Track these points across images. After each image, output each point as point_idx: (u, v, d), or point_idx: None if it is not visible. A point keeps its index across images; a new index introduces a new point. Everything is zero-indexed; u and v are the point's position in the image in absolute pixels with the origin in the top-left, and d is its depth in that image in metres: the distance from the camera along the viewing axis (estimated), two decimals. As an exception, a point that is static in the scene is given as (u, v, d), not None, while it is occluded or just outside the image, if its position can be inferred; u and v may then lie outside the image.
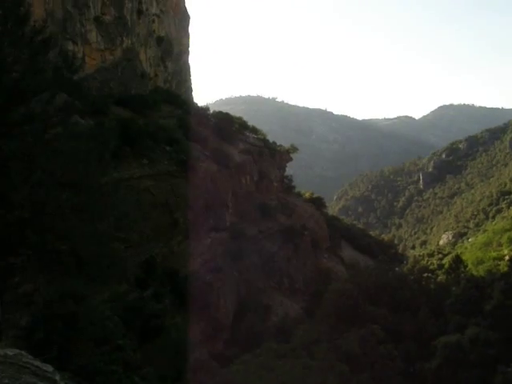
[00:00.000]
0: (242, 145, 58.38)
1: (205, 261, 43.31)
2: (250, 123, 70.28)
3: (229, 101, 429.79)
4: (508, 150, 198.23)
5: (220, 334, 40.67)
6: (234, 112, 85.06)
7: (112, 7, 46.54)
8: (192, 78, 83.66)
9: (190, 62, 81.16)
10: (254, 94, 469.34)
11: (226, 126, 58.35)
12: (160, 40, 61.06)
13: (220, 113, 63.82)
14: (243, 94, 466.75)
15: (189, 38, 79.46)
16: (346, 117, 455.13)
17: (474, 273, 54.93)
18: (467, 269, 60.70)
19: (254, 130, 67.54)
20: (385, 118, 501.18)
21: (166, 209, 37.48)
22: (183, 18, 74.40)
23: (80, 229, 11.04)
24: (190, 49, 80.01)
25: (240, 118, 68.04)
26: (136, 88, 51.50)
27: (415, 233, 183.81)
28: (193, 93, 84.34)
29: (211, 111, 64.59)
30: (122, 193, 32.17)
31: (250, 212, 54.11)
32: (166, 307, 32.16)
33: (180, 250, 38.91)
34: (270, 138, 71.39)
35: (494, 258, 63.75)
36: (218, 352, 37.71)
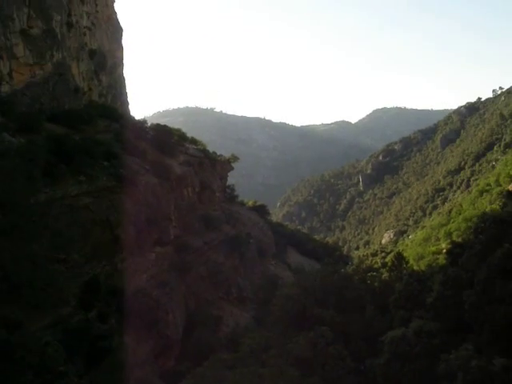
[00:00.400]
0: (182, 156, 57.70)
1: (150, 276, 42.29)
2: (189, 134, 69.76)
3: (167, 113, 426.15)
4: (439, 149, 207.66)
5: (171, 350, 39.77)
6: (173, 124, 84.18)
7: (39, 20, 44.66)
8: (128, 90, 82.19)
9: (124, 74, 79.73)
10: (191, 105, 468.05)
11: (165, 138, 57.49)
12: (93, 53, 59.40)
13: (158, 125, 62.90)
14: (181, 106, 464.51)
15: (122, 50, 77.92)
16: (284, 124, 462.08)
17: (416, 268, 56.75)
18: (409, 265, 62.62)
19: (194, 141, 67.06)
20: (322, 124, 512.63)
21: (107, 226, 36.29)
22: (116, 30, 72.93)
23: (10, 251, 10.36)
24: (124, 61, 78.61)
25: (179, 130, 67.36)
26: (69, 103, 49.76)
27: (358, 234, 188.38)
28: (129, 106, 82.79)
29: (149, 124, 63.48)
30: (58, 211, 31.15)
31: (193, 224, 53.52)
32: (112, 327, 31.15)
33: (124, 267, 37.74)
34: (210, 149, 71.15)
35: (433, 253, 66.33)
36: (170, 368, 36.91)
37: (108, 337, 28.28)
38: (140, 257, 41.50)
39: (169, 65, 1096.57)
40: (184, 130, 70.65)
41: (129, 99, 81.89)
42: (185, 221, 52.44)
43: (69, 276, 30.50)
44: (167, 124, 68.25)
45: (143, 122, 64.94)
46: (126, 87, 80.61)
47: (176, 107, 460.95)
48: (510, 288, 22.90)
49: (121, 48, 77.11)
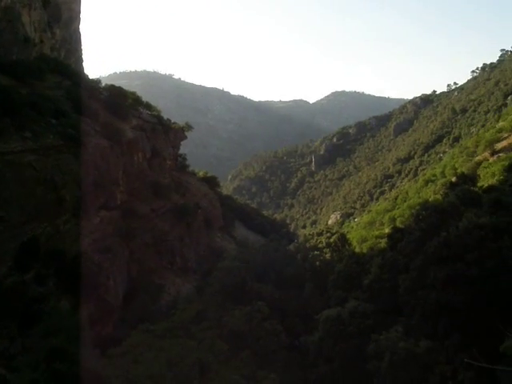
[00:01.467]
0: (135, 121, 56.36)
1: (94, 240, 41.47)
2: (145, 99, 68.07)
3: (123, 75, 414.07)
4: (392, 137, 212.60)
5: (109, 316, 39.36)
6: (129, 87, 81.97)
7: (-14, -40, 41.88)
8: (83, 47, 78.95)
9: (81, 30, 76.42)
10: (150, 69, 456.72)
11: (119, 100, 55.84)
12: (46, 2, 56.25)
13: (113, 86, 60.88)
14: (139, 69, 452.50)
15: (80, 3, 74.44)
16: (242, 97, 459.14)
17: (358, 250, 58.33)
18: (352, 247, 64.36)
19: (149, 106, 65.55)
20: (280, 101, 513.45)
21: (52, 186, 35.01)
22: (73, -19, 69.54)
23: None
24: (81, 16, 75.22)
25: (134, 93, 65.53)
26: (18, 54, 46.97)
27: (306, 213, 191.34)
28: (84, 64, 79.67)
29: (103, 84, 61.39)
30: (-1, 168, 29.83)
31: (142, 190, 52.72)
32: (50, 290, 30.43)
33: (66, 229, 36.70)
34: (165, 116, 69.86)
35: (377, 236, 68.08)
36: (107, 334, 36.63)
37: (44, 300, 27.64)
38: (84, 220, 40.49)
39: (129, 24, 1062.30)
40: (140, 94, 68.80)
41: (84, 57, 78.89)
42: (133, 186, 51.54)
43: (6, 236, 29.44)
44: (123, 86, 66.16)
45: (97, 81, 62.74)
46: (82, 43, 77.48)
47: (134, 70, 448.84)
48: (442, 275, 23.99)
49: (78, 1, 73.57)
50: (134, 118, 56.58)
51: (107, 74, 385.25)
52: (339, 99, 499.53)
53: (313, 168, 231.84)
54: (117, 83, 69.13)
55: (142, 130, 55.32)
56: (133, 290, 43.08)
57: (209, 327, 21.39)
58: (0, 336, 18.79)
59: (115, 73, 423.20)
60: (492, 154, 66.22)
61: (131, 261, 46.15)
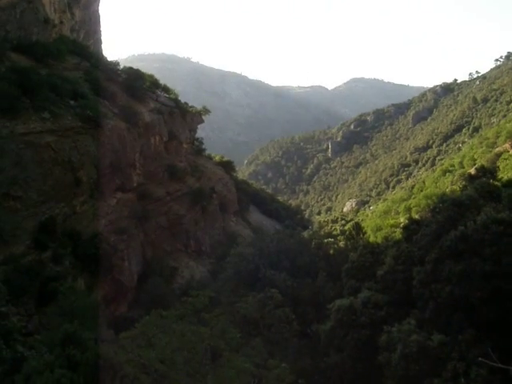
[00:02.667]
0: (153, 104, 56.42)
1: (110, 222, 41.95)
2: (163, 82, 68.01)
3: (142, 57, 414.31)
4: (410, 125, 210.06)
5: (124, 297, 39.97)
6: (147, 69, 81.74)
7: None
8: (102, 29, 79.03)
9: (100, 11, 76.45)
10: (168, 52, 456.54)
11: (137, 83, 55.88)
12: (67, -16, 56.44)
13: (131, 69, 60.90)
14: (157, 52, 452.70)
15: (100, -16, 74.40)
16: (260, 82, 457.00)
17: (373, 239, 58.04)
18: (366, 235, 64.08)
19: (166, 89, 65.50)
20: (299, 86, 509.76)
21: (69, 167, 35.42)
22: (94, -38, 69.43)
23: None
24: (100, -3, 75.18)
25: (152, 76, 65.54)
26: (38, 34, 47.19)
27: (321, 199, 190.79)
28: (102, 45, 79.87)
29: (122, 67, 61.41)
30: (19, 147, 30.16)
31: (158, 173, 52.98)
32: (66, 270, 30.88)
33: (83, 210, 37.19)
34: (183, 99, 69.75)
35: (391, 226, 67.78)
36: (121, 314, 37.15)
37: (60, 279, 28.05)
38: (101, 201, 40.96)
39: (148, 7, 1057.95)
40: (158, 76, 68.84)
41: (103, 38, 79.07)
42: (149, 169, 51.83)
43: (24, 214, 29.87)
44: (141, 69, 66.15)
45: (116, 63, 62.79)
46: (101, 25, 77.59)
47: (152, 52, 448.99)
48: (457, 269, 23.72)
49: (99, -18, 73.58)
50: (151, 101, 56.67)
51: (126, 57, 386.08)
52: (358, 86, 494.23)
53: (329, 155, 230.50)
54: (135, 66, 69.08)
55: (160, 113, 55.37)
56: (147, 271, 43.55)
57: (221, 313, 21.49)
58: (18, 313, 19.09)
59: (133, 55, 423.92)
60: (513, 146, 65.14)
61: (146, 243, 46.62)
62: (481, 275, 22.95)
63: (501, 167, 56.50)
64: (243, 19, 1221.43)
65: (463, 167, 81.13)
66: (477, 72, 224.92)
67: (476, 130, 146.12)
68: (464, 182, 53.65)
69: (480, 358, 10.70)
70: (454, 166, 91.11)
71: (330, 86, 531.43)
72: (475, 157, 79.42)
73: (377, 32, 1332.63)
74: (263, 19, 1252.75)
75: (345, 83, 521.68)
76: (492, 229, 23.94)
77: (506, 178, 46.99)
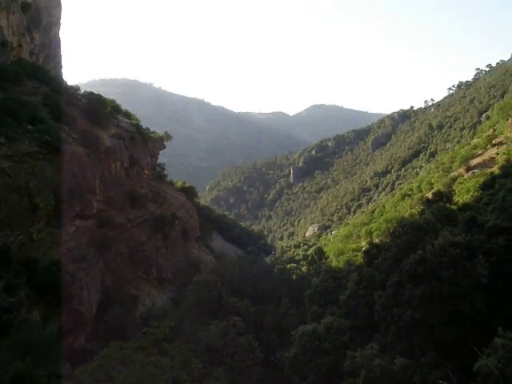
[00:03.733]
0: (114, 129, 55.83)
1: (68, 250, 40.67)
2: (125, 107, 67.58)
3: (103, 82, 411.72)
4: (370, 151, 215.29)
5: (82, 328, 38.57)
6: (108, 94, 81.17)
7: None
8: (63, 53, 78.25)
9: (61, 35, 75.74)
10: (130, 77, 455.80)
11: (98, 108, 55.25)
12: (26, 7, 55.49)
13: (91, 94, 60.23)
14: (119, 77, 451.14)
15: (61, 9, 73.81)
16: (222, 108, 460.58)
17: (335, 263, 58.57)
18: (329, 260, 64.63)
19: (128, 115, 65.07)
20: (260, 112, 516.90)
21: (26, 193, 34.39)
22: (55, -14, 68.94)
23: None
24: (62, 21, 74.62)
25: (113, 101, 65.00)
26: (-5, 57, 46.36)
27: (284, 224, 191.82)
28: (63, 69, 78.95)
29: (82, 91, 60.68)
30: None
31: (118, 199, 52.06)
32: (20, 300, 29.69)
33: (40, 237, 36.06)
34: (145, 125, 69.39)
35: (353, 250, 68.72)
36: (79, 347, 35.83)
37: (14, 310, 26.92)
38: (59, 228, 39.82)
39: (111, 32, 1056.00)
40: (119, 102, 68.33)
41: (63, 63, 78.22)
42: (110, 195, 50.88)
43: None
44: (102, 94, 65.58)
45: (76, 88, 61.99)
46: (62, 49, 76.81)
47: (114, 77, 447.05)
48: (417, 293, 24.11)
49: (59, 6, 72.98)
50: (112, 127, 56.06)
51: (86, 81, 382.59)
52: (318, 112, 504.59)
53: (291, 180, 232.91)
54: (96, 90, 68.47)
55: (121, 139, 54.76)
56: (107, 300, 42.31)
57: (183, 343, 21.01)
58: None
59: (94, 80, 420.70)
60: (467, 170, 67.47)
61: (106, 271, 45.41)
62: (440, 298, 23.40)
63: (456, 191, 58.32)
64: (205, 46, 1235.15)
65: (421, 191, 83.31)
66: (432, 100, 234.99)
67: (432, 155, 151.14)
68: (422, 206, 55.02)
69: (441, 381, 10.85)
70: (412, 190, 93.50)
71: (291, 112, 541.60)
72: (432, 181, 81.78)
73: (337, 60, 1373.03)
74: (225, 46, 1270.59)
75: (306, 109, 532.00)
76: (449, 252, 24.54)
77: (461, 201, 48.53)
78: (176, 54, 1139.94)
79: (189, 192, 76.49)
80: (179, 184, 79.85)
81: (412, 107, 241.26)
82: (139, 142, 60.50)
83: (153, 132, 69.71)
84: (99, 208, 48.01)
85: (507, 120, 69.45)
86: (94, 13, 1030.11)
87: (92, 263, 42.32)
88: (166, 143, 71.48)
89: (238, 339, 26.48)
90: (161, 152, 71.53)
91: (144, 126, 67.21)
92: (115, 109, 62.96)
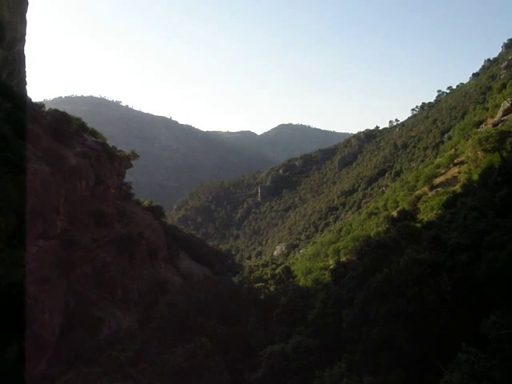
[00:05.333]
0: (79, 147, 54.91)
1: (30, 271, 39.39)
2: (91, 125, 66.60)
3: (69, 100, 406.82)
4: (337, 170, 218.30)
5: (43, 352, 37.28)
6: (74, 112, 79.89)
7: None
8: (28, 69, 76.86)
9: (26, 52, 74.48)
10: (97, 95, 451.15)
11: (63, 125, 54.28)
12: (-11, 23, 54.67)
13: (57, 111, 59.18)
14: (85, 94, 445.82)
15: (26, 25, 72.71)
16: (190, 127, 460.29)
17: (303, 282, 58.68)
18: (297, 278, 64.70)
19: (94, 133, 64.10)
20: (228, 132, 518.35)
21: (-15, 213, 33.36)
22: (20, 1, 67.85)
23: None
24: (26, 37, 73.43)
25: (79, 119, 63.97)
26: (-46, 73, 45.13)
27: (251, 244, 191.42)
28: (27, 86, 77.47)
29: (47, 109, 59.58)
30: None
31: (83, 219, 50.99)
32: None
33: (0, 258, 34.87)
34: (111, 143, 68.49)
35: (321, 268, 69.18)
36: (40, 372, 34.57)
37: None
38: (20, 249, 38.64)
39: (78, 49, 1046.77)
40: (85, 120, 67.27)
41: (28, 79, 76.83)
42: (75, 215, 49.79)
43: None
44: (68, 111, 64.43)
45: (41, 105, 60.83)
46: (26, 66, 75.45)
47: (80, 95, 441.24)
48: (384, 310, 24.35)
49: (24, 22, 71.88)
50: (78, 145, 55.13)
51: (52, 98, 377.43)
52: (286, 132, 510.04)
53: (259, 199, 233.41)
54: (61, 108, 67.37)
55: (86, 157, 53.88)
56: (70, 323, 41.06)
57: (148, 366, 20.46)
58: None
59: (60, 97, 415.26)
60: (431, 189, 69.15)
61: (69, 292, 44.18)
62: (406, 315, 23.67)
63: (421, 209, 59.60)
64: (173, 65, 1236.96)
65: (387, 209, 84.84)
66: (396, 120, 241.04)
67: (398, 173, 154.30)
68: (388, 225, 55.93)
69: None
70: (378, 208, 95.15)
71: (259, 132, 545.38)
72: (398, 199, 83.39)
73: (304, 80, 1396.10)
74: (193, 65, 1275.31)
75: (273, 129, 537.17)
76: (414, 269, 24.94)
77: (425, 219, 49.57)
78: (144, 73, 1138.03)
79: (156, 211, 75.57)
80: (146, 203, 78.83)
81: (377, 127, 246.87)
82: (105, 161, 59.63)
83: (120, 150, 68.86)
84: (63, 228, 46.89)
85: (467, 140, 71.64)
86: (61, 29, 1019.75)
87: (55, 285, 41.16)
88: (132, 162, 70.68)
89: (206, 361, 26.08)
90: (127, 171, 70.64)
91: (111, 145, 66.33)
92: (81, 127, 61.98)
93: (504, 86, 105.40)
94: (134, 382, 16.38)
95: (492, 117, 79.93)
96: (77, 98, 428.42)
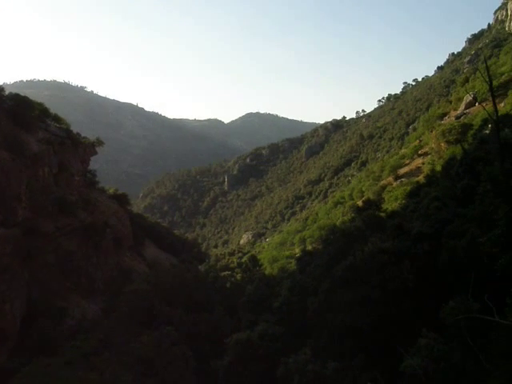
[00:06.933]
0: (42, 133, 53.47)
1: (-11, 260, 38.48)
2: (54, 111, 64.86)
3: (31, 84, 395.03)
4: (304, 159, 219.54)
5: (4, 344, 36.47)
6: (36, 97, 77.60)
7: None
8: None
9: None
10: (61, 79, 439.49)
11: (24, 111, 52.71)
12: None
13: (17, 95, 57.24)
14: (48, 79, 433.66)
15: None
16: (157, 114, 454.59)
17: (269, 271, 59.06)
18: (263, 267, 65.08)
19: (57, 119, 62.46)
20: (195, 119, 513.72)
21: None
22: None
23: None
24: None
25: (41, 104, 62.19)
26: None
27: (218, 232, 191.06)
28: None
29: (7, 93, 57.63)
30: None
31: (46, 207, 49.86)
32: None
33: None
34: (75, 129, 66.96)
35: (287, 257, 69.79)
36: (1, 365, 33.78)
37: None
38: (-21, 238, 37.62)
39: (40, 31, 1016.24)
40: (48, 105, 65.43)
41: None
42: (37, 203, 48.63)
43: None
44: (29, 96, 62.52)
45: (0, 89, 58.91)
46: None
47: (42, 79, 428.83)
48: (348, 298, 24.81)
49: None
50: (40, 131, 53.68)
51: (12, 82, 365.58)
52: (253, 120, 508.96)
53: (226, 187, 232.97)
54: (23, 92, 65.21)
55: (49, 144, 52.54)
56: (33, 314, 40.26)
57: (113, 355, 20.28)
58: None
59: (21, 81, 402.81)
60: (395, 179, 70.51)
61: (32, 282, 43.24)
62: (369, 302, 24.18)
63: (385, 199, 60.73)
64: (140, 51, 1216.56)
65: (353, 199, 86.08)
66: (363, 111, 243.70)
67: (363, 164, 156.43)
68: (353, 214, 56.75)
69: (369, 383, 11.19)
70: (344, 198, 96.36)
71: (227, 120, 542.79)
72: (363, 189, 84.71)
73: (272, 69, 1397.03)
74: (160, 52, 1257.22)
75: (241, 117, 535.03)
76: (378, 258, 25.45)
77: (389, 209, 50.53)
78: (110, 59, 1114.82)
79: (121, 199, 74.50)
80: (111, 191, 77.57)
81: (344, 117, 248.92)
82: (69, 148, 58.29)
83: (84, 137, 67.41)
84: (25, 216, 45.78)
85: (431, 132, 73.20)
86: (22, 11, 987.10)
87: (16, 274, 40.23)
88: (97, 149, 69.27)
89: (172, 349, 26.05)
90: (92, 158, 69.26)
91: (75, 131, 64.83)
92: (44, 112, 60.30)
93: (467, 80, 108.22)
94: (98, 372, 16.20)
95: (455, 109, 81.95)
96: (39, 82, 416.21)
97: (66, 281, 48.00)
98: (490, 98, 18.58)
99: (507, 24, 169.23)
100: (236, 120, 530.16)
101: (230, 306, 37.41)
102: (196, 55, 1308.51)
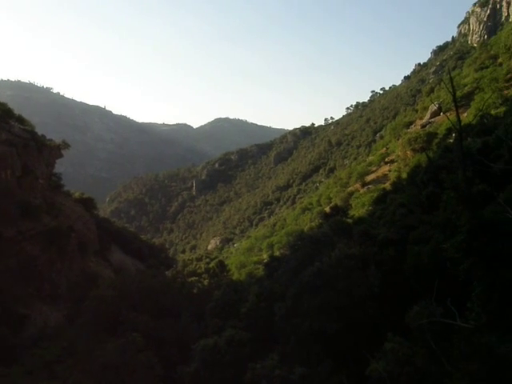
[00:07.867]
0: (5, 135, 52.11)
1: None
2: (18, 112, 63.33)
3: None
4: (272, 165, 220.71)
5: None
6: (-1, 97, 75.78)
7: None
8: None
9: None
10: (25, 79, 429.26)
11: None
12: None
13: (-21, 96, 55.95)
14: (12, 78, 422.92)
15: None
16: (125, 118, 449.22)
17: (237, 276, 58.99)
18: (231, 272, 64.95)
19: (21, 120, 60.99)
20: (164, 124, 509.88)
21: None
22: None
23: None
24: None
25: (4, 104, 60.67)
26: None
27: (186, 237, 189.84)
28: None
29: (-32, 93, 56.12)
30: None
31: (8, 210, 48.51)
32: None
33: None
34: (40, 131, 65.46)
35: (255, 262, 69.89)
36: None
37: None
38: None
39: (2, 31, 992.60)
40: (12, 105, 63.89)
41: None
42: (-1, 206, 47.33)
43: None
44: (-9, 96, 61.08)
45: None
46: None
47: (6, 79, 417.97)
48: (315, 303, 24.94)
49: None
50: (3, 132, 52.28)
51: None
52: (222, 125, 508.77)
53: (194, 192, 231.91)
54: (-15, 93, 63.56)
55: (12, 146, 51.25)
56: (-9, 321, 39.00)
57: (75, 364, 19.77)
58: None
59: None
60: (362, 186, 71.59)
61: (-9, 288, 41.97)
62: (336, 308, 24.38)
63: (353, 205, 61.56)
64: (108, 55, 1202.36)
65: (320, 205, 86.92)
66: (331, 118, 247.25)
67: (331, 170, 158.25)
68: (320, 220, 57.28)
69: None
70: (312, 204, 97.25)
71: (195, 125, 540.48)
72: (331, 195, 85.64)
73: (241, 75, 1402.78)
74: (129, 56, 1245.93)
75: (209, 122, 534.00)
76: (344, 263, 25.71)
77: (357, 215, 51.23)
78: (77, 62, 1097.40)
79: (87, 203, 73.25)
80: (77, 195, 76.19)
81: (313, 124, 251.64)
82: (33, 150, 56.93)
83: (49, 139, 65.96)
84: (-14, 220, 44.49)
85: (398, 140, 74.71)
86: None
87: (-25, 280, 39.00)
88: (63, 152, 67.91)
89: (137, 356, 25.63)
90: (57, 161, 67.83)
91: (40, 133, 63.39)
92: (7, 113, 58.77)
93: (432, 90, 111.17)
94: (61, 381, 15.76)
95: (421, 118, 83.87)
96: (2, 81, 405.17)
97: (28, 286, 46.74)
98: (454, 108, 19.07)
99: (470, 38, 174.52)
100: (205, 125, 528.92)
101: (198, 311, 37.16)
102: (165, 59, 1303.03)
